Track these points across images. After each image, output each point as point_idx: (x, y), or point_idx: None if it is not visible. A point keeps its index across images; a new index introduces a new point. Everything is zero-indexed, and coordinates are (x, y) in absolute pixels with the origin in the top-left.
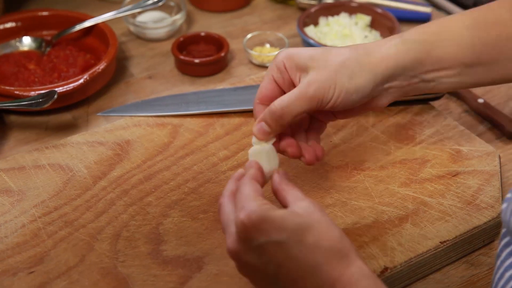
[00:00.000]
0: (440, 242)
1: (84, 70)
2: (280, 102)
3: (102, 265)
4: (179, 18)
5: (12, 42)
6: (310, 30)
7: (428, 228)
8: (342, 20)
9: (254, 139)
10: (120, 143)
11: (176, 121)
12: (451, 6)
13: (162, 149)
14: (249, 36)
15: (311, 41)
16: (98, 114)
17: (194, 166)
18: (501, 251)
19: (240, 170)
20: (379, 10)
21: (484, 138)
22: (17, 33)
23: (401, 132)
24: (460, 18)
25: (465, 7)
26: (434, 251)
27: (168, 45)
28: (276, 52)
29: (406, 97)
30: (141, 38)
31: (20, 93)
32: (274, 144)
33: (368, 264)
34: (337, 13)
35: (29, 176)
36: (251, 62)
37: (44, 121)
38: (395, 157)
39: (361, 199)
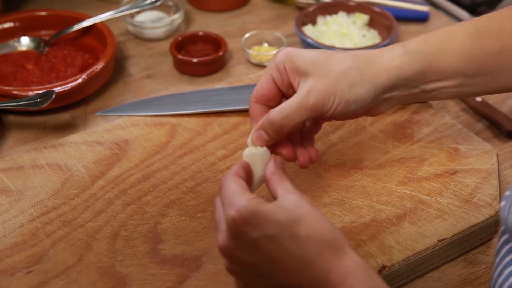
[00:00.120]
0: (438, 240)
1: (82, 70)
2: (280, 112)
3: (100, 264)
4: (177, 17)
5: (10, 42)
6: (308, 29)
7: (426, 226)
8: (340, 19)
9: (249, 140)
10: (118, 143)
11: (174, 120)
12: (449, 5)
13: (160, 148)
14: (247, 35)
15: (309, 41)
16: (96, 113)
17: (192, 165)
18: (500, 248)
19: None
20: (377, 9)
21: (482, 137)
22: (15, 33)
23: (399, 130)
24: (463, 28)
25: (463, 6)
26: (432, 250)
27: (166, 45)
28: (274, 52)
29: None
30: (139, 37)
31: (18, 93)
32: (268, 146)
33: (366, 263)
34: (335, 12)
35: (28, 176)
36: (249, 62)
37: (43, 121)
38: (393, 155)
39: (359, 197)
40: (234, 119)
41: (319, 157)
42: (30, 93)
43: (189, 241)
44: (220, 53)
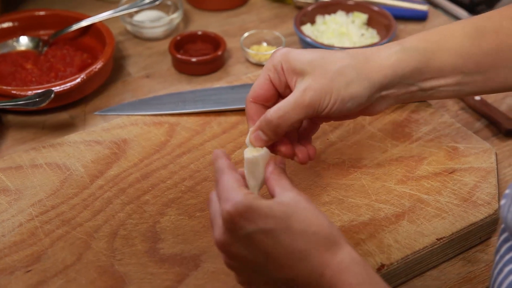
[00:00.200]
0: (437, 239)
1: (81, 69)
2: (277, 111)
3: (99, 263)
4: (176, 17)
5: (9, 42)
6: (307, 29)
7: (425, 225)
8: (339, 19)
9: (248, 140)
10: (117, 142)
11: (173, 119)
12: (448, 4)
13: (159, 147)
14: (246, 34)
15: (308, 40)
16: (95, 113)
17: (191, 164)
18: (500, 246)
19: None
20: (375, 8)
21: (480, 135)
22: (14, 33)
23: (398, 129)
24: (461, 27)
25: (462, 5)
26: (431, 248)
27: (165, 44)
28: (273, 51)
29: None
30: (138, 37)
31: (17, 93)
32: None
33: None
34: (334, 12)
35: (26, 175)
36: (248, 61)
37: (42, 121)
38: (391, 154)
39: (357, 196)
40: (233, 118)
41: (318, 156)
42: (29, 93)
43: (188, 240)
44: (219, 53)
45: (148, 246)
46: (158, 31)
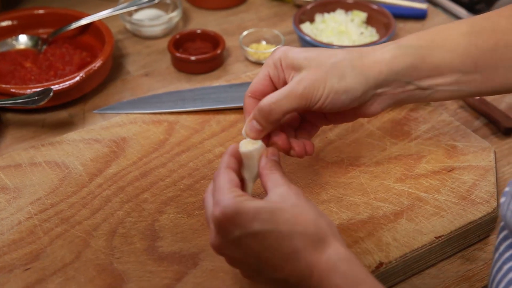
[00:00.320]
0: (435, 237)
1: (80, 68)
2: (269, 98)
3: (98, 261)
4: (175, 15)
5: (9, 40)
6: (306, 27)
7: (423, 223)
8: (338, 17)
9: (244, 131)
10: (116, 140)
11: (172, 118)
12: (447, 3)
13: (158, 146)
14: (245, 33)
15: (307, 38)
16: (94, 111)
17: (190, 163)
18: (500, 244)
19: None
20: (375, 7)
21: (479, 134)
22: (13, 31)
23: (397, 128)
24: (457, 26)
25: (461, 3)
26: (429, 246)
27: (164, 43)
28: (272, 49)
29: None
30: (137, 35)
31: (16, 91)
32: (263, 139)
33: (363, 260)
34: (333, 10)
35: (25, 174)
36: (247, 59)
37: (41, 119)
38: (390, 153)
39: (356, 194)
40: (231, 117)
41: (317, 154)
42: (28, 91)
43: (187, 238)
44: (218, 51)
45: (147, 244)
46: (157, 30)
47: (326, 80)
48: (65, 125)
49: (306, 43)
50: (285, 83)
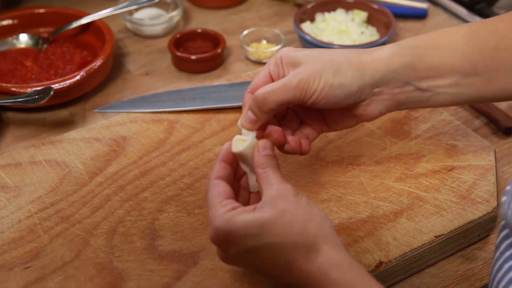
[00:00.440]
0: (435, 237)
1: (80, 67)
2: (264, 88)
3: (98, 260)
4: (175, 14)
5: (9, 39)
6: (306, 26)
7: (423, 222)
8: (338, 16)
9: (239, 122)
10: (117, 139)
11: (172, 117)
12: (448, 2)
13: (158, 145)
14: (245, 32)
15: (308, 37)
16: (94, 110)
17: (190, 161)
18: (500, 242)
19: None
20: (375, 6)
21: (480, 133)
22: (14, 30)
23: (397, 127)
24: (456, 28)
25: (462, 3)
26: (429, 246)
27: (164, 42)
28: (273, 49)
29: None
30: (137, 35)
31: (17, 90)
32: (258, 131)
33: (363, 259)
34: (334, 9)
35: (26, 172)
36: (247, 59)
37: (41, 118)
38: (390, 152)
39: (356, 194)
40: (232, 116)
41: (317, 154)
42: (29, 90)
43: (187, 237)
44: (219, 50)
45: (146, 243)
46: (157, 29)
47: (321, 74)
48: (66, 124)
49: (307, 42)
50: None
